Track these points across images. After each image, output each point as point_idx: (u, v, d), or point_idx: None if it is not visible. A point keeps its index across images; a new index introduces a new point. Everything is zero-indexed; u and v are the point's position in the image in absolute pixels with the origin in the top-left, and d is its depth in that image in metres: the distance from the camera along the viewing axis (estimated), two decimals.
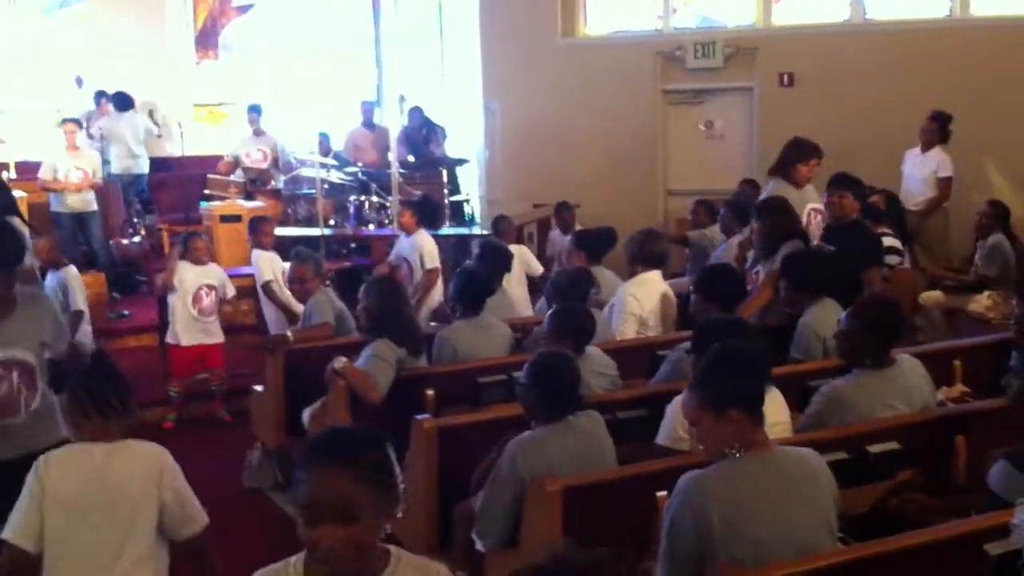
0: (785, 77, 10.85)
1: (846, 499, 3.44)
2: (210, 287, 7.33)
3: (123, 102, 11.23)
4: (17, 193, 9.08)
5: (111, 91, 11.32)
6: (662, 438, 4.28)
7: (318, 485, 2.19)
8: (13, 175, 9.43)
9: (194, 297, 7.26)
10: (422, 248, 7.89)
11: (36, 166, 10.03)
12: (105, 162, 10.52)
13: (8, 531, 3.16)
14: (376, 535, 2.26)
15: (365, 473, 2.21)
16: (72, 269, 7.48)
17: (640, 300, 6.17)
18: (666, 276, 6.63)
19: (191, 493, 3.36)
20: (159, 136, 11.68)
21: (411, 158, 11.34)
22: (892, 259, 7.04)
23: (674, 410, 4.21)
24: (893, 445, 4.17)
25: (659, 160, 11.60)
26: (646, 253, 6.30)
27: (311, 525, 2.18)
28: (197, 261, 7.33)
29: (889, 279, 6.75)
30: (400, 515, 2.27)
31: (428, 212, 8.13)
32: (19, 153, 10.03)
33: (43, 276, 7.03)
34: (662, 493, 3.63)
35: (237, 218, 9.64)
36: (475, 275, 6.01)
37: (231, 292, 7.55)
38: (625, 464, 4.08)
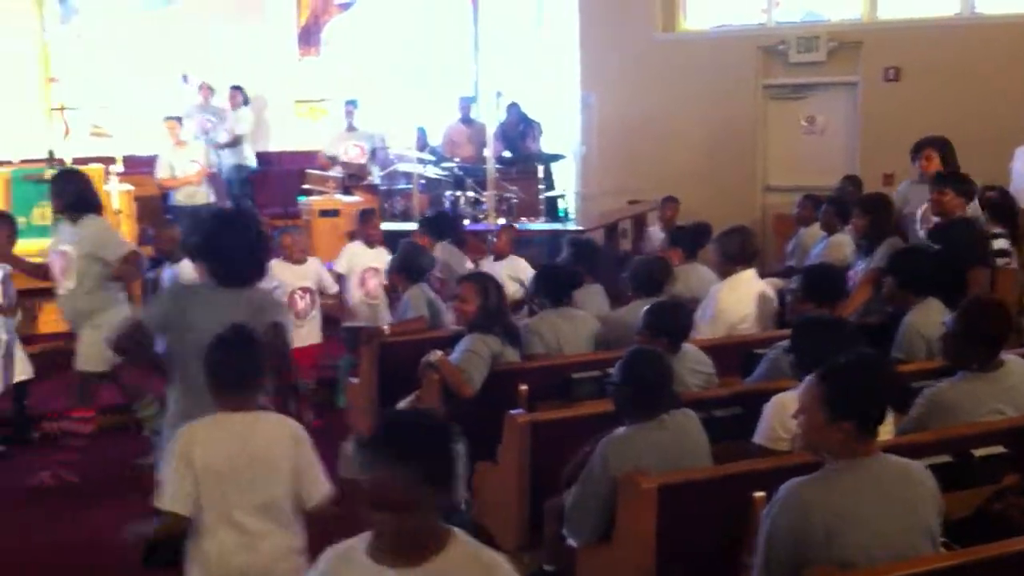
0: (891, 72, 10.59)
1: (949, 503, 3.36)
2: (305, 289, 7.08)
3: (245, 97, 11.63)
4: (125, 187, 9.35)
5: (213, 87, 11.62)
6: (759, 437, 4.20)
7: (374, 479, 2.31)
8: (120, 169, 9.70)
9: (288, 300, 6.85)
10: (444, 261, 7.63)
11: (143, 160, 10.32)
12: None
13: (165, 500, 3.31)
14: (433, 521, 2.38)
15: (420, 472, 2.31)
16: (187, 263, 7.59)
17: (732, 304, 6.02)
18: (763, 274, 6.51)
19: (319, 462, 3.47)
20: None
21: (507, 154, 11.37)
22: (1000, 261, 6.82)
23: (772, 409, 4.14)
24: (999, 449, 4.05)
25: (758, 155, 11.42)
26: (738, 251, 6.14)
27: (371, 510, 2.32)
28: (294, 260, 7.09)
29: (994, 280, 6.54)
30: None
31: (437, 226, 7.88)
32: (126, 148, 10.31)
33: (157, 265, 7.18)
34: (759, 494, 3.58)
35: (335, 213, 9.77)
36: (557, 267, 6.03)
37: (332, 288, 7.33)
38: (721, 463, 4.02)
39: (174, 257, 7.20)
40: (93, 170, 8.78)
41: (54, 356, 7.26)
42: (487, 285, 5.56)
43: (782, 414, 3.98)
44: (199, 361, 3.49)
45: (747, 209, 10.82)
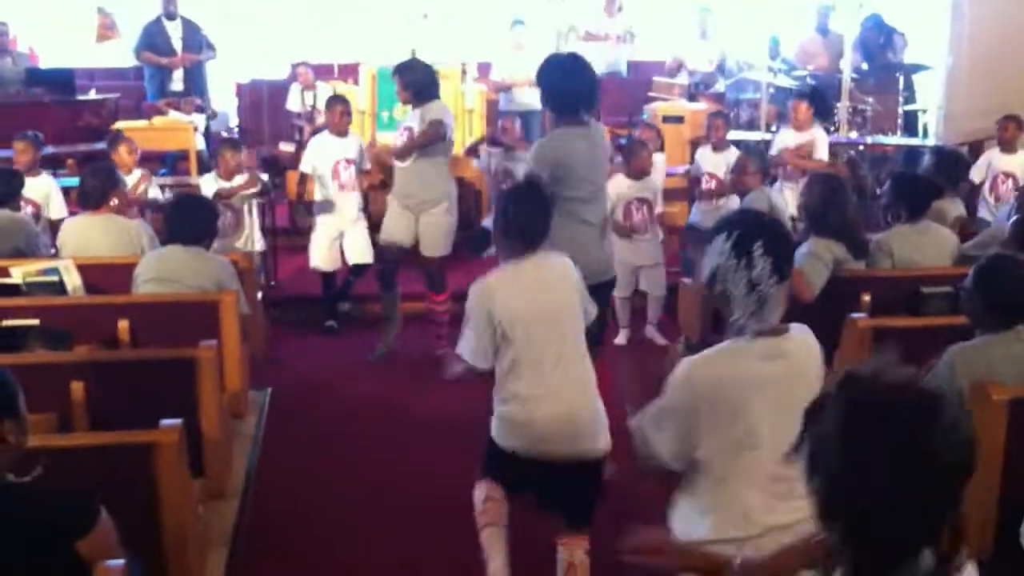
0: None
1: None
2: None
3: None
4: (479, 87, 9.68)
5: None
6: None
7: None
8: (475, 74, 10.07)
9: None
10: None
11: (488, 67, 10.61)
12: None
13: (468, 355, 3.55)
14: None
15: None
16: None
17: None
18: None
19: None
20: None
21: (864, 65, 10.73)
22: None
23: None
24: None
25: None
26: None
27: None
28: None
29: None
30: None
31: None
32: (475, 56, 10.65)
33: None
34: None
35: (679, 119, 9.64)
36: (917, 176, 5.62)
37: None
38: None
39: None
40: (450, 71, 9.20)
41: None
42: (836, 187, 5.31)
43: None
44: None
45: None
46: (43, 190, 6.78)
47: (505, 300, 3.48)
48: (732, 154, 7.36)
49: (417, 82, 6.34)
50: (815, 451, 1.59)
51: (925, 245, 5.38)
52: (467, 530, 4.12)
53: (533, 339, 3.47)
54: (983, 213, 7.49)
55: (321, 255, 7.13)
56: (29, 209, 6.44)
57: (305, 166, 7.15)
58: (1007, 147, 7.78)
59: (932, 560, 1.54)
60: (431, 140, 6.24)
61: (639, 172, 6.88)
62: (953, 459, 1.51)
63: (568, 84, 4.66)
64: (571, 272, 3.68)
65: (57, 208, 6.86)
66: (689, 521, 2.59)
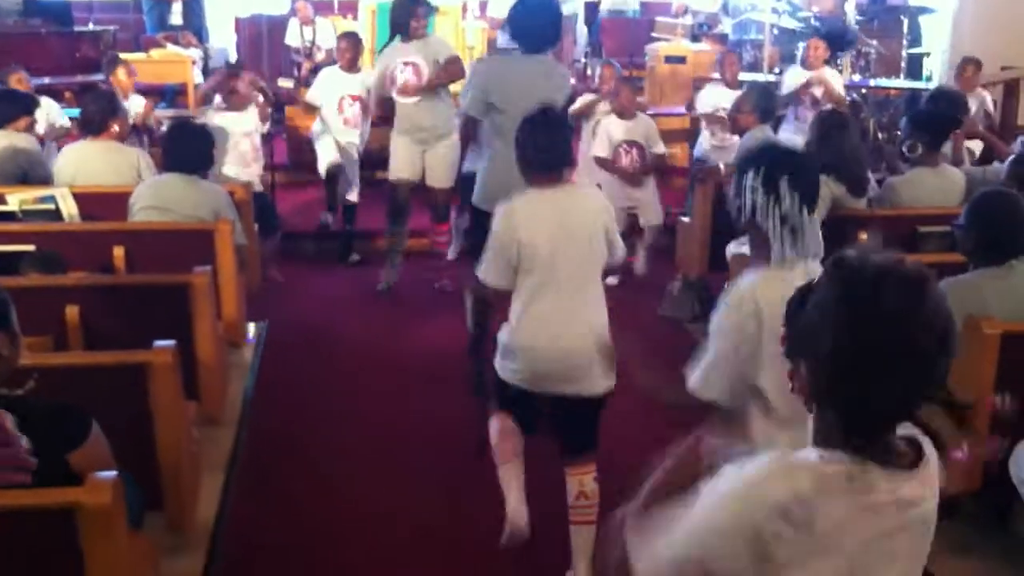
0: None
1: None
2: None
3: None
4: (480, 24, 9.60)
5: None
6: None
7: None
8: (476, 12, 10.03)
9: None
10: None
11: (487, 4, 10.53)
12: None
13: (490, 277, 3.56)
14: None
15: None
16: None
17: None
18: None
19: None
20: None
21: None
22: None
23: None
24: None
25: None
26: None
27: None
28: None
29: None
30: None
31: None
32: None
33: None
34: None
35: (681, 59, 9.57)
36: (936, 112, 5.58)
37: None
38: None
39: None
40: (451, 8, 9.13)
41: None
42: (838, 124, 5.29)
43: None
44: None
45: None
46: (44, 113, 6.72)
47: (528, 222, 3.47)
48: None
49: (401, 15, 6.36)
50: (805, 335, 1.67)
51: (935, 183, 5.34)
52: (463, 465, 4.19)
53: (551, 266, 3.47)
54: None
55: (328, 157, 7.21)
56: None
57: (312, 96, 7.17)
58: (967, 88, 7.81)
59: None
60: (455, 77, 6.32)
61: (621, 110, 6.95)
62: (945, 326, 1.60)
63: (531, 21, 4.95)
64: (601, 207, 3.66)
65: (58, 115, 6.83)
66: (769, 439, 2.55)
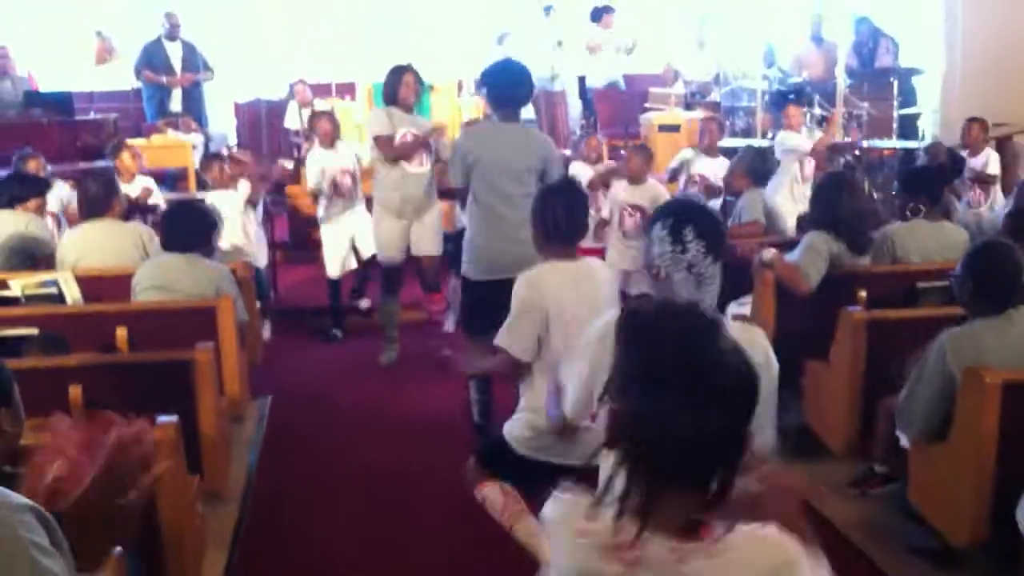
0: None
1: None
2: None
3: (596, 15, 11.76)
4: (475, 99, 9.73)
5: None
6: None
7: None
8: (472, 89, 10.19)
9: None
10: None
11: None
12: None
13: (512, 346, 3.52)
14: None
15: None
16: None
17: None
18: None
19: None
20: None
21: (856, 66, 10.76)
22: None
23: None
24: None
25: None
26: None
27: None
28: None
29: None
30: None
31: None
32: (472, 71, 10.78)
33: None
34: None
35: (675, 128, 9.69)
36: (925, 168, 5.64)
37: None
38: None
39: None
40: (445, 86, 9.32)
41: None
42: (841, 182, 5.36)
43: None
44: None
45: None
46: (57, 195, 6.77)
47: (552, 290, 3.50)
48: (723, 162, 7.37)
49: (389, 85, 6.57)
50: (609, 380, 1.69)
51: (928, 242, 5.37)
52: (469, 534, 4.14)
53: (569, 337, 3.43)
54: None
55: (336, 263, 7.22)
56: (49, 219, 6.43)
57: (311, 183, 7.24)
58: (973, 150, 8.00)
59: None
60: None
61: (631, 176, 6.99)
62: (730, 380, 1.56)
63: (498, 79, 5.19)
64: (609, 278, 3.72)
65: (70, 197, 6.85)
66: None
